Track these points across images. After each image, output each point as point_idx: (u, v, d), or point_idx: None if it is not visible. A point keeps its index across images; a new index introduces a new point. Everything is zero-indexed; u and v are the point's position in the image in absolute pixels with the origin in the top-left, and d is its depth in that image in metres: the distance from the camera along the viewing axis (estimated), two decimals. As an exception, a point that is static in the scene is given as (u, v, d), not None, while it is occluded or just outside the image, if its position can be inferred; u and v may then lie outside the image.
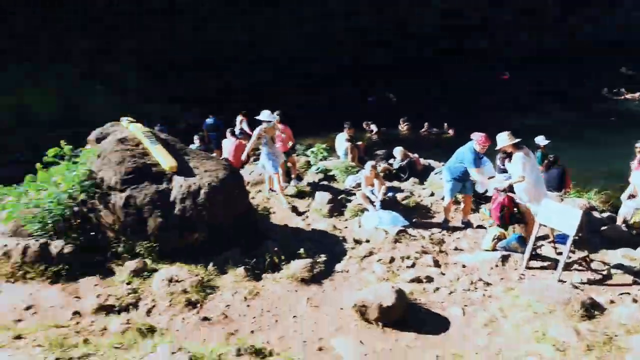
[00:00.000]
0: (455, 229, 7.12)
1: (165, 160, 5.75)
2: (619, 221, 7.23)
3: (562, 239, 6.01)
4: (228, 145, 10.75)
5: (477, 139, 6.59)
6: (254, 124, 9.80)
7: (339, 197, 8.04)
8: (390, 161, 10.90)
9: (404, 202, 8.05)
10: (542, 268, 5.86)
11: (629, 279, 5.56)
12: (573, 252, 5.73)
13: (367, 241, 6.52)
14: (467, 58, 28.52)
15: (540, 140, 10.31)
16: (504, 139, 6.24)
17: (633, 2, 29.74)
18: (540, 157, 9.78)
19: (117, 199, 5.44)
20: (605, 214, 7.98)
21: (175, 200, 5.49)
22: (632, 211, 6.96)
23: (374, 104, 20.45)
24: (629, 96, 17.98)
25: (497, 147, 6.39)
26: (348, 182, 9.02)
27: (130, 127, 6.31)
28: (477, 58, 29.02)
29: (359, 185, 8.50)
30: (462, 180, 6.96)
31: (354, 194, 8.27)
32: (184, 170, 5.82)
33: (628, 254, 6.15)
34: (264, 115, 7.90)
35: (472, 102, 19.99)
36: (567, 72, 24.38)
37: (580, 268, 5.76)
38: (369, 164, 8.15)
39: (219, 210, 5.63)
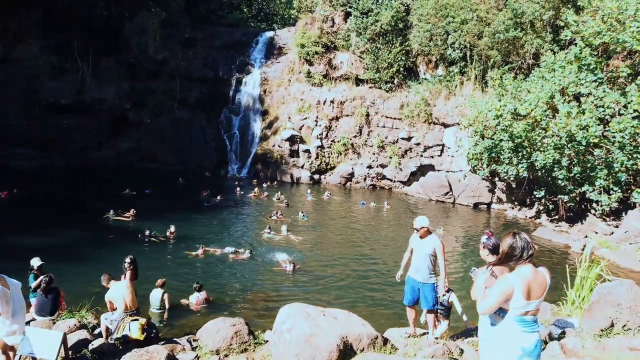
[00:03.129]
0: None
1: None
2: (104, 334, 7.85)
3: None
4: None
5: None
6: None
7: None
8: None
9: None
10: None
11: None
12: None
13: None
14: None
15: (35, 262, 10.17)
16: None
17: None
18: (33, 278, 9.66)
19: None
20: (97, 330, 8.46)
21: None
22: (115, 323, 7.74)
23: None
24: (124, 216, 20.42)
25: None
26: None
27: None
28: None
29: None
30: None
31: None
32: None
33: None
34: None
35: None
36: (77, 190, 25.30)
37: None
38: None
39: None
